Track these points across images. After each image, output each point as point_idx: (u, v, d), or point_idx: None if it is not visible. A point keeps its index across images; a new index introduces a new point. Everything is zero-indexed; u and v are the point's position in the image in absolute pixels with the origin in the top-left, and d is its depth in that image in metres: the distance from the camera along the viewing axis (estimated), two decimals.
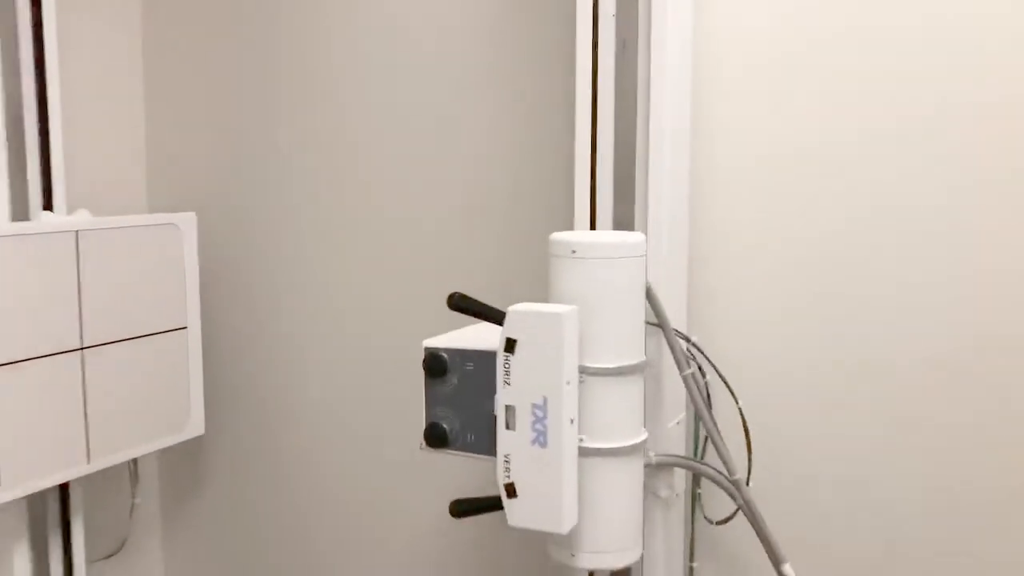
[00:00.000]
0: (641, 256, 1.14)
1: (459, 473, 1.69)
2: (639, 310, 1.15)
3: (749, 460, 1.39)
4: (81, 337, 1.55)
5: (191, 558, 2.04)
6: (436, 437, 1.16)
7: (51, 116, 1.62)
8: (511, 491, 1.09)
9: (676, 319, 1.39)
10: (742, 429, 1.40)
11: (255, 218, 1.89)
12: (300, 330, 1.86)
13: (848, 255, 1.40)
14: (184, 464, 2.01)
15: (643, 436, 1.17)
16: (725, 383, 1.38)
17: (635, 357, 1.14)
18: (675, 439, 1.40)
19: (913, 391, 1.37)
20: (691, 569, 1.54)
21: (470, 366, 1.15)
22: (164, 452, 2.00)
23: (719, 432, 1.33)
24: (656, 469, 1.36)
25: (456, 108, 1.67)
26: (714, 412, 1.43)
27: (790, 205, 1.43)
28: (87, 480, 1.72)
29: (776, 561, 1.30)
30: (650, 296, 1.28)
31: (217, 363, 1.92)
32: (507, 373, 1.08)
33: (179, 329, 1.75)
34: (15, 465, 1.44)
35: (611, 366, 1.12)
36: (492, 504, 1.12)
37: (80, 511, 1.69)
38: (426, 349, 1.17)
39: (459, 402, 1.16)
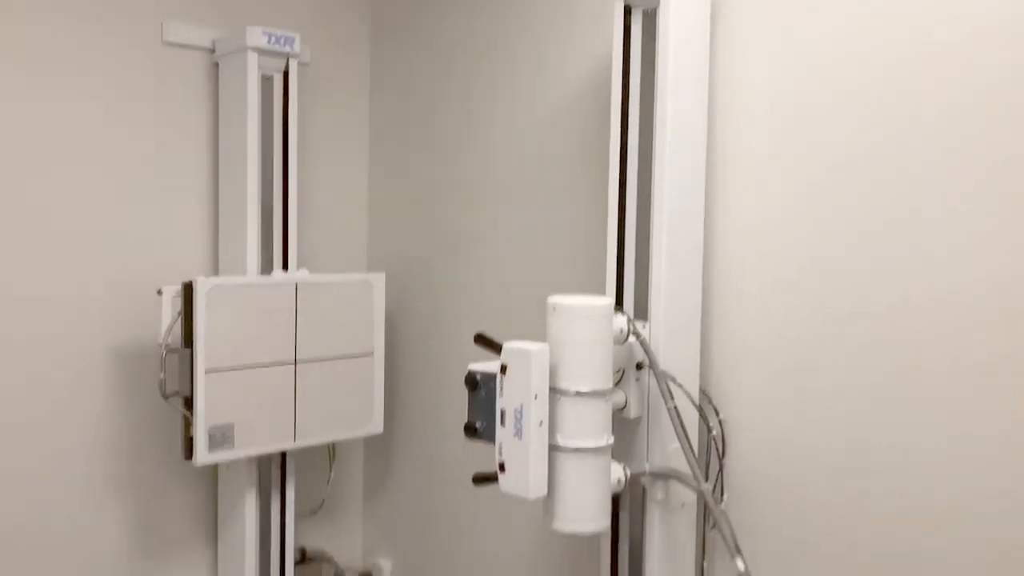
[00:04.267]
0: (604, 315, 1.64)
1: None
2: (602, 353, 1.64)
3: (720, 474, 1.81)
4: (295, 354, 2.30)
5: (383, 518, 2.75)
6: (469, 431, 1.73)
7: (289, 206, 2.41)
8: (502, 468, 1.63)
9: (690, 371, 1.85)
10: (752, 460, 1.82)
11: (428, 276, 2.58)
12: (455, 359, 2.51)
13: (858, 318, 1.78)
14: (378, 452, 2.73)
15: (604, 442, 1.65)
16: (700, 412, 1.82)
17: (596, 385, 1.63)
18: (673, 458, 1.83)
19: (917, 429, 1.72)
20: (703, 568, 1.95)
21: (492, 383, 1.70)
22: (366, 441, 2.74)
23: (694, 452, 1.76)
24: (653, 477, 1.82)
25: (549, 218, 2.25)
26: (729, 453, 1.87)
27: (798, 274, 1.84)
28: (299, 454, 2.47)
29: (732, 554, 1.70)
30: (643, 344, 1.76)
31: (395, 380, 2.62)
32: (502, 388, 1.63)
33: (367, 355, 2.46)
34: (243, 434, 2.20)
35: (574, 390, 1.62)
36: (495, 477, 1.66)
37: (293, 475, 2.44)
38: (468, 371, 1.75)
39: (485, 407, 1.71)
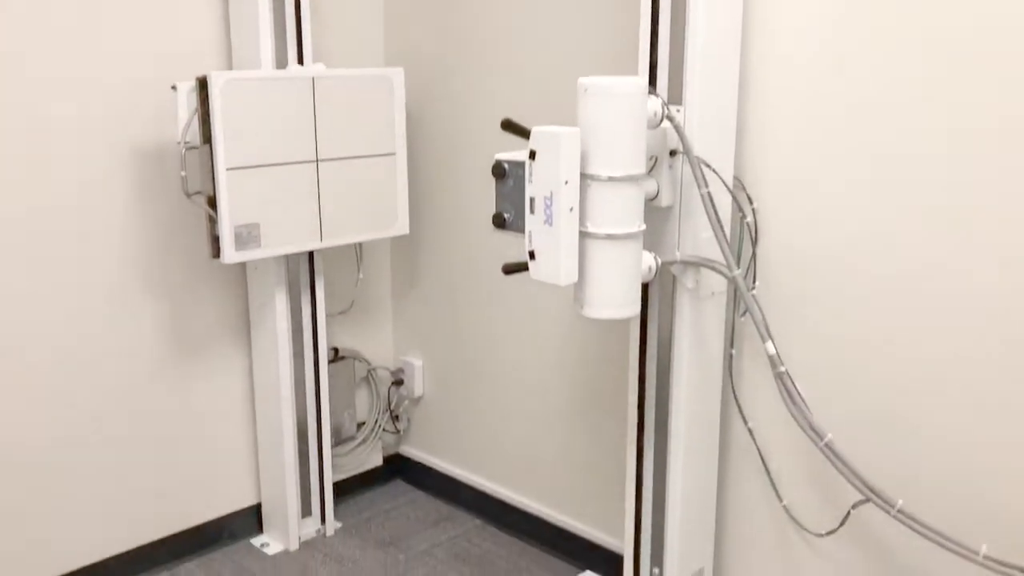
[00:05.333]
0: (638, 95, 1.56)
1: None
2: (634, 136, 1.57)
3: (752, 261, 1.79)
4: (316, 152, 2.25)
5: (412, 316, 2.79)
6: (497, 221, 1.69)
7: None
8: (532, 256, 1.61)
9: (724, 157, 1.79)
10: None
11: (449, 70, 2.48)
12: (480, 156, 2.45)
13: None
14: (405, 252, 2.73)
15: (635, 228, 1.61)
16: (734, 198, 1.77)
17: (628, 170, 1.57)
18: (705, 247, 1.80)
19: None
20: (730, 355, 1.97)
21: (520, 172, 1.65)
22: (393, 242, 2.73)
23: (726, 238, 1.73)
24: (684, 265, 1.80)
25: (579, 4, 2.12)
26: (762, 240, 1.83)
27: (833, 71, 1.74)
28: (326, 254, 2.47)
29: (763, 338, 1.70)
30: (677, 127, 1.69)
31: (419, 180, 2.58)
32: (531, 174, 1.58)
33: (389, 155, 2.40)
34: (270, 234, 2.19)
35: (606, 175, 1.57)
36: (525, 266, 1.64)
37: (321, 276, 2.45)
38: (495, 160, 1.69)
39: (513, 197, 1.67)
